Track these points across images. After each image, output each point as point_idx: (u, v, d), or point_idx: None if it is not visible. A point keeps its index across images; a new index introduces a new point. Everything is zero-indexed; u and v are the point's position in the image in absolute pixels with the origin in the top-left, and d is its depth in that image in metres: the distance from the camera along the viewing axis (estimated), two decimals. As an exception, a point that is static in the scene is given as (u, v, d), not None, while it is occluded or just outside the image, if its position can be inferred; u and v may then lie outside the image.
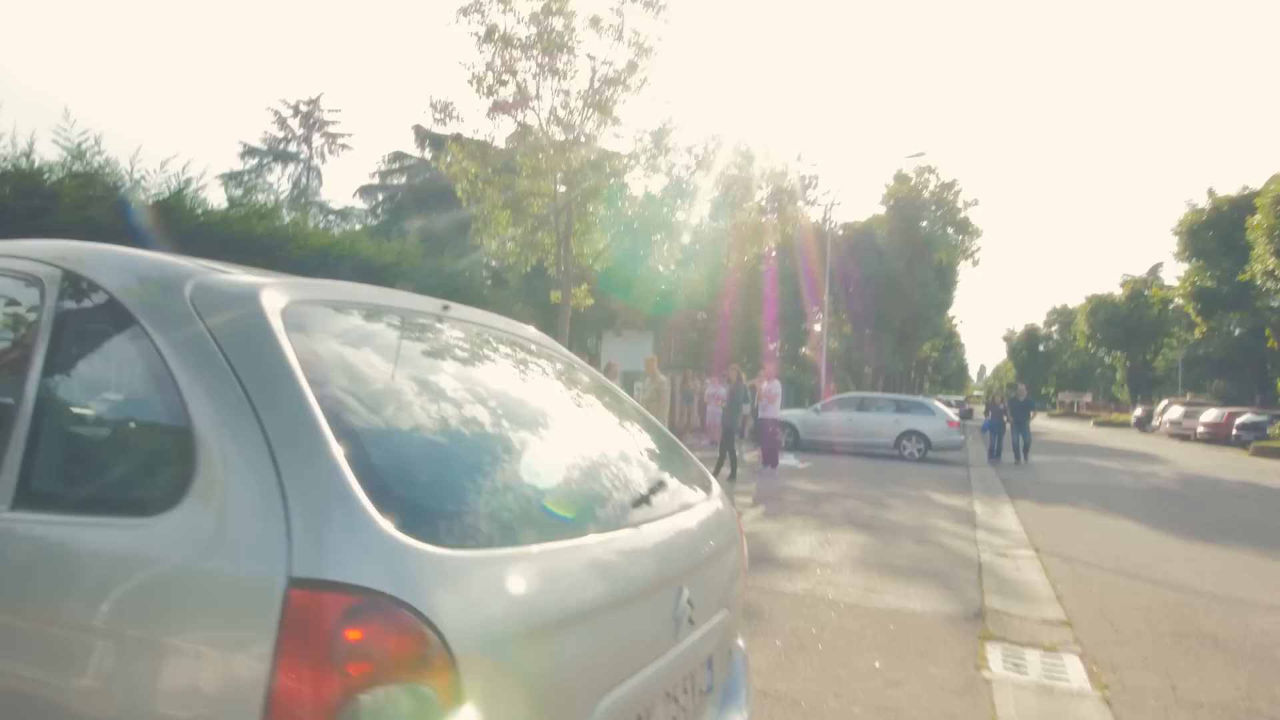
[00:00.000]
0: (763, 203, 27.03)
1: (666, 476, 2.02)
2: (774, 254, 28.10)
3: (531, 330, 2.31)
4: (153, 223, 7.92)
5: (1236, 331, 43.66)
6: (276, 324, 1.31)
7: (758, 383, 14.56)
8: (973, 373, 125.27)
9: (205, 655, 1.06)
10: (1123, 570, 6.78)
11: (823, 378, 27.88)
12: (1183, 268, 43.13)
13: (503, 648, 1.15)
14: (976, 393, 79.21)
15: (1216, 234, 39.32)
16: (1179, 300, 47.00)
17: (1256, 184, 33.48)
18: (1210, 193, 41.34)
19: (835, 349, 34.93)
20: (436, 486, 1.30)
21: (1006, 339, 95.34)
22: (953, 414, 18.63)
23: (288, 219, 10.68)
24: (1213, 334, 44.93)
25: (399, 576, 1.05)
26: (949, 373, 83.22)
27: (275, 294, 1.40)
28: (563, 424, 1.83)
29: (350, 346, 1.50)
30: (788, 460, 15.03)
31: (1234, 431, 28.75)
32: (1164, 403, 41.21)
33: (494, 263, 18.10)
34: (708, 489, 2.21)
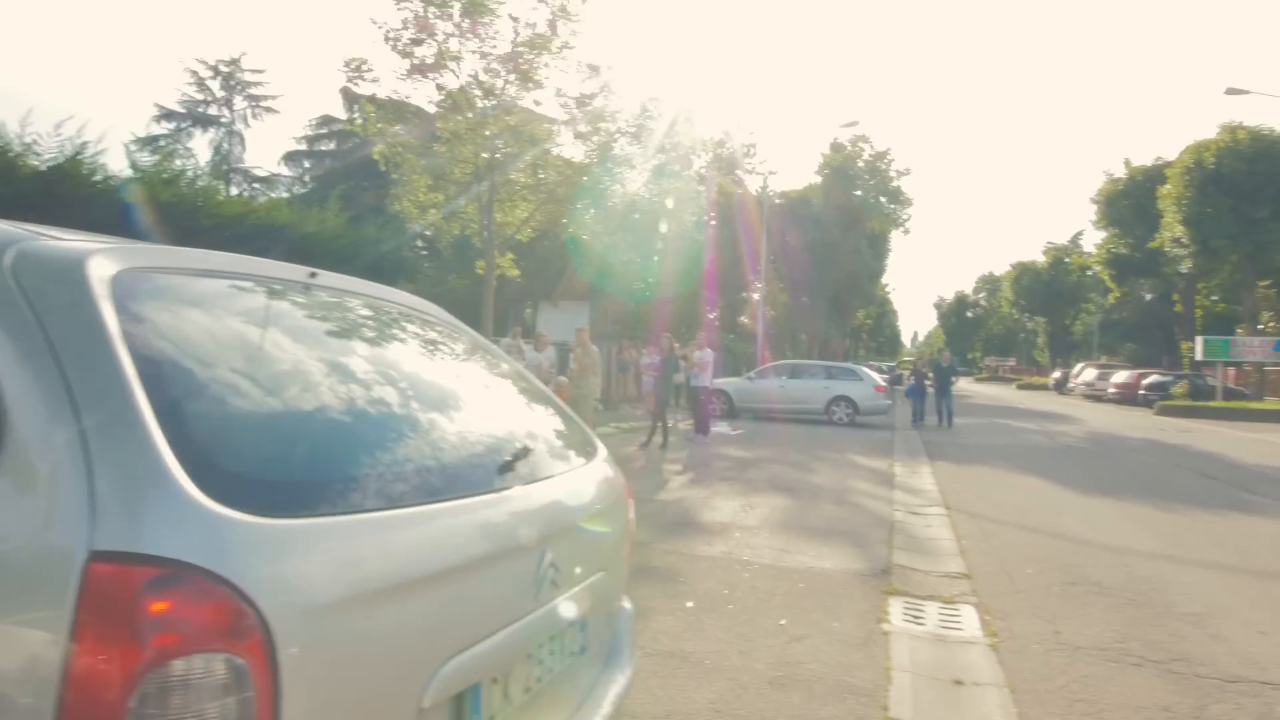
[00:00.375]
0: (701, 170, 27.04)
1: (542, 441, 2.03)
2: (713, 222, 28.24)
3: (413, 298, 2.27)
4: (45, 190, 7.46)
5: (1148, 297, 45.98)
6: (100, 292, 1.27)
7: (689, 352, 14.71)
8: (906, 339, 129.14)
9: (3, 632, 1.03)
10: (1024, 525, 7.15)
11: (759, 345, 28.29)
12: (1101, 235, 45.15)
13: (327, 615, 1.15)
14: (908, 359, 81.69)
15: (1130, 203, 41.14)
16: (1096, 267, 49.18)
17: (1173, 155, 35.04)
18: (1126, 163, 43.26)
19: (773, 317, 35.42)
20: (266, 456, 1.28)
21: (937, 306, 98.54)
22: (880, 379, 19.22)
23: (199, 185, 10.19)
24: (1126, 299, 47.29)
25: (207, 546, 1.05)
26: (883, 339, 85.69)
27: (105, 261, 1.35)
28: (427, 391, 1.81)
29: (187, 315, 1.45)
30: (720, 428, 15.28)
31: (1141, 391, 30.49)
32: (1079, 366, 43.29)
33: (429, 232, 17.68)
34: (590, 454, 2.23)
